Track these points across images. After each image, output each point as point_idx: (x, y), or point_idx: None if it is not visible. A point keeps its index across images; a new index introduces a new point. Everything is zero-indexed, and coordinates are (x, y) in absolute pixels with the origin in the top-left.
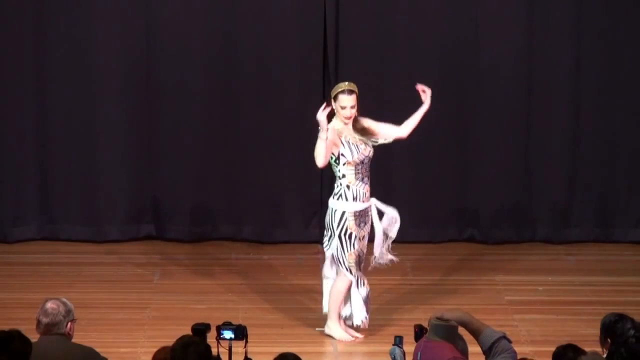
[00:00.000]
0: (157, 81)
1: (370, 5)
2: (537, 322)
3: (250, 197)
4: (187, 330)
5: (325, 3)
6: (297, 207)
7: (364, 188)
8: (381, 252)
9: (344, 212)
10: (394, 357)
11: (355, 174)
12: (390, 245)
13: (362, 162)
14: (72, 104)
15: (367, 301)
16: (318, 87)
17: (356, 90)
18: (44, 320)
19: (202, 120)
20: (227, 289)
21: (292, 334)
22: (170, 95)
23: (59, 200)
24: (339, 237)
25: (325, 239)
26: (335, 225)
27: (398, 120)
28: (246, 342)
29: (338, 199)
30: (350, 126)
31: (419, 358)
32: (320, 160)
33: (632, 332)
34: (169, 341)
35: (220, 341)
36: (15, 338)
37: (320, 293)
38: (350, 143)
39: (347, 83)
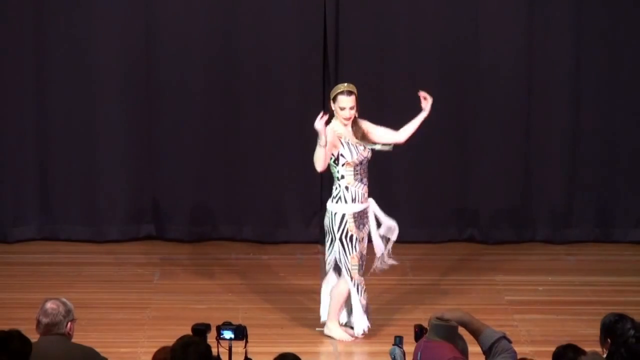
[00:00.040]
0: (157, 81)
1: (370, 5)
2: (537, 322)
3: (250, 197)
4: (187, 330)
5: (325, 3)
6: (297, 207)
7: (362, 189)
8: (382, 257)
9: (344, 215)
10: (394, 357)
11: (354, 174)
12: (391, 250)
13: (360, 163)
14: (72, 104)
15: (367, 310)
16: (318, 87)
17: (355, 91)
18: (44, 320)
19: (202, 120)
20: (227, 289)
21: (292, 334)
22: (170, 95)
23: (59, 200)
24: (340, 240)
25: (327, 244)
26: (335, 228)
27: (398, 121)
28: (246, 342)
29: (337, 202)
30: (349, 127)
31: (419, 358)
32: (320, 165)
33: (632, 332)
34: (169, 341)
35: (220, 341)
36: (15, 338)
37: (319, 301)
38: (350, 144)
39: (346, 84)
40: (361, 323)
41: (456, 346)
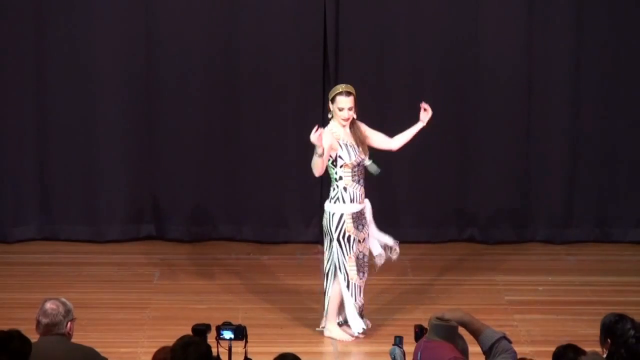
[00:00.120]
0: (157, 81)
1: (370, 5)
2: (537, 322)
3: (250, 197)
4: (187, 330)
5: (325, 3)
6: (297, 207)
7: (359, 190)
8: (379, 256)
9: (341, 215)
10: (394, 357)
11: (352, 175)
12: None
13: (358, 164)
14: (72, 104)
15: (361, 311)
16: (318, 87)
17: (354, 92)
18: (44, 320)
19: (202, 120)
20: (227, 289)
21: (292, 334)
22: (170, 95)
23: (59, 200)
24: (338, 240)
25: (326, 244)
26: (333, 228)
27: (398, 121)
28: (246, 342)
29: (335, 202)
30: (347, 128)
31: (419, 358)
32: (317, 172)
33: (632, 332)
34: (169, 341)
35: (220, 341)
36: (15, 338)
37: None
38: (348, 145)
39: (344, 85)
40: (356, 325)
41: (456, 346)
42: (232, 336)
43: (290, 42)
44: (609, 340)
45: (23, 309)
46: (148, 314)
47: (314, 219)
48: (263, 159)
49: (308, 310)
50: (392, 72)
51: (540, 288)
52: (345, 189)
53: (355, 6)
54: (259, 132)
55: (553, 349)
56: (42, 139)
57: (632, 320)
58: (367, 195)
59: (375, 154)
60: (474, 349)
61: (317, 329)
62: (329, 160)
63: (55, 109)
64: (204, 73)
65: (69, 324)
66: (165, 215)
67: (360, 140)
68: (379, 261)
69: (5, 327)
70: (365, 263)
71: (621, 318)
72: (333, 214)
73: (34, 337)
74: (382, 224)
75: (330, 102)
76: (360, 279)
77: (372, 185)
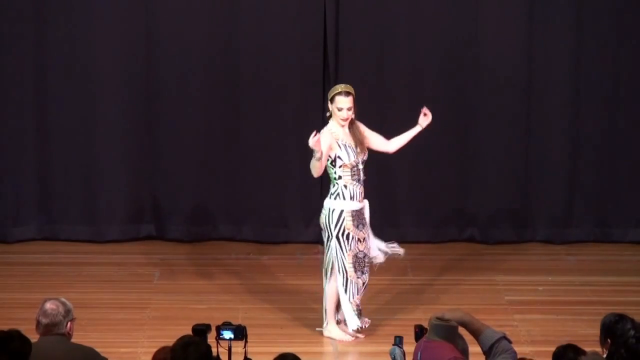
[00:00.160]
0: (157, 81)
1: (370, 5)
2: (537, 322)
3: (250, 197)
4: (187, 330)
5: (325, 4)
6: (297, 207)
7: (359, 188)
8: (377, 252)
9: (342, 212)
10: (394, 357)
11: (351, 175)
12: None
13: (357, 164)
14: (72, 104)
15: (358, 309)
16: (318, 87)
17: (353, 92)
18: (44, 321)
19: (202, 120)
20: (226, 289)
21: (292, 334)
22: (170, 96)
23: (59, 200)
24: (337, 237)
25: (325, 240)
26: (332, 225)
27: (397, 121)
28: (245, 342)
29: (335, 198)
30: (346, 128)
31: (419, 358)
32: (316, 173)
33: (632, 332)
34: (169, 341)
35: (220, 341)
36: (15, 338)
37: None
38: (347, 146)
39: (344, 85)
40: (351, 322)
41: (456, 346)
42: (232, 336)
43: (290, 42)
44: (609, 340)
45: (23, 309)
46: (148, 314)
47: (314, 219)
48: (263, 159)
49: (308, 310)
50: (392, 72)
51: (540, 288)
52: (345, 186)
53: (355, 6)
54: (259, 132)
55: (553, 349)
56: (42, 139)
57: (632, 320)
58: (368, 195)
59: (373, 154)
60: (474, 349)
61: (317, 329)
62: (328, 160)
63: (55, 109)
64: (204, 73)
65: (68, 324)
66: (165, 215)
67: (359, 140)
68: (379, 260)
69: (5, 327)
70: (365, 262)
71: (621, 318)
72: (333, 210)
73: (34, 337)
74: (382, 224)
75: (329, 102)
76: (359, 277)
77: (372, 185)
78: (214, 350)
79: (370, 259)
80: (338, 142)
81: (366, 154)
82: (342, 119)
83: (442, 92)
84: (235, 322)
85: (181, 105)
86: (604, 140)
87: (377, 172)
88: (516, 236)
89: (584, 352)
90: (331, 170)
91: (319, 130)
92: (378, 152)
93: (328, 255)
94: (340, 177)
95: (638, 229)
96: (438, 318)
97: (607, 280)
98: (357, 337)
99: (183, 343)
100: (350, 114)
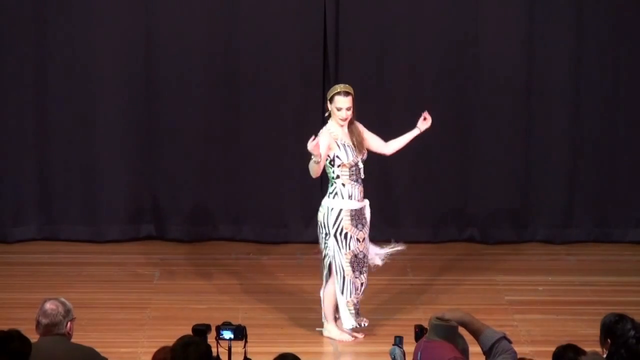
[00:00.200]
0: (157, 81)
1: (370, 5)
2: (537, 322)
3: (250, 197)
4: (187, 330)
5: (325, 3)
6: (297, 207)
7: (358, 188)
8: (374, 256)
9: (340, 211)
10: (394, 357)
11: (350, 175)
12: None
13: (356, 164)
14: (72, 104)
15: (357, 310)
16: (318, 87)
17: (352, 92)
18: (44, 321)
19: (202, 121)
20: (226, 289)
21: (292, 334)
22: (170, 96)
23: (59, 200)
24: (335, 236)
25: (321, 239)
26: (330, 224)
27: (397, 122)
28: (245, 342)
29: (334, 197)
30: (345, 128)
31: (419, 358)
32: (314, 175)
33: (632, 332)
34: (169, 341)
35: (220, 341)
36: (15, 338)
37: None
38: (346, 145)
39: (343, 85)
40: (347, 321)
41: (456, 346)
42: (232, 336)
43: (290, 42)
44: (609, 340)
45: (23, 309)
46: (148, 314)
47: (314, 219)
48: (263, 159)
49: (308, 310)
50: (392, 72)
51: (540, 288)
52: (343, 185)
53: (355, 6)
54: (259, 132)
55: (553, 349)
56: (42, 139)
57: (632, 320)
58: (367, 195)
59: (373, 154)
60: (474, 349)
61: (317, 329)
62: (326, 159)
63: (55, 109)
64: (204, 73)
65: (68, 324)
66: (165, 215)
67: (358, 140)
68: (377, 263)
69: (5, 327)
70: (364, 262)
71: (621, 318)
72: (332, 209)
73: (34, 337)
74: (382, 224)
75: (328, 102)
76: (357, 277)
77: (372, 185)
78: (214, 350)
79: (368, 259)
80: (337, 142)
81: (365, 154)
82: (341, 119)
83: (442, 92)
84: (235, 322)
85: (181, 105)
86: (604, 140)
87: (377, 172)
88: (516, 236)
89: (584, 352)
90: (330, 170)
91: (316, 135)
92: (375, 154)
93: (325, 253)
94: (338, 177)
95: (638, 229)
96: (438, 318)
97: (607, 280)
98: (356, 337)
99: (183, 343)
100: (349, 114)
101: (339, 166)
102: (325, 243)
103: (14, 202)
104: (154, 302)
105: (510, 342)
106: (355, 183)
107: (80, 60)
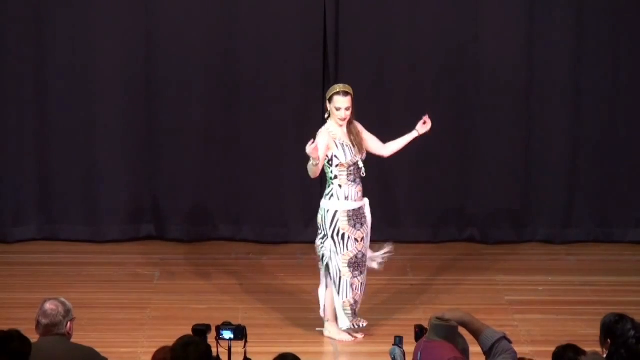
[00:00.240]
0: (157, 81)
1: (370, 5)
2: (537, 322)
3: (250, 197)
4: (187, 330)
5: (325, 3)
6: (297, 207)
7: (355, 188)
8: (368, 261)
9: (336, 212)
10: (394, 357)
11: (348, 175)
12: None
13: (354, 163)
14: (72, 104)
15: (354, 309)
16: (318, 88)
17: (351, 92)
18: (44, 321)
19: (202, 120)
20: (226, 289)
21: (292, 334)
22: (170, 96)
23: (59, 200)
24: (332, 237)
25: (319, 240)
26: (327, 225)
27: (397, 122)
28: (245, 342)
29: (330, 198)
30: (344, 128)
31: (419, 358)
32: (313, 176)
33: (632, 332)
34: (169, 341)
35: (220, 341)
36: (15, 338)
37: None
38: (344, 145)
39: (342, 85)
40: (342, 321)
41: (456, 346)
42: (232, 336)
43: (290, 42)
44: (609, 340)
45: (23, 309)
46: (148, 314)
47: (314, 219)
48: (263, 159)
49: (308, 310)
50: (392, 72)
51: (540, 288)
52: (340, 186)
53: (355, 6)
54: (259, 132)
55: (553, 349)
56: (42, 139)
57: (632, 321)
58: (368, 195)
59: (371, 155)
60: (474, 349)
61: (317, 329)
62: (325, 159)
63: (55, 109)
64: (204, 73)
65: (68, 324)
66: (165, 215)
67: (356, 140)
68: (374, 266)
69: (5, 327)
70: (363, 262)
71: (621, 318)
72: (327, 211)
73: (33, 337)
74: (382, 224)
75: (327, 102)
76: (356, 277)
77: (372, 185)
78: (214, 350)
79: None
80: (335, 142)
81: (364, 154)
82: (340, 119)
83: (442, 92)
84: (235, 322)
85: (181, 105)
86: (604, 140)
87: (377, 172)
88: (516, 236)
89: (584, 352)
90: (328, 170)
91: (315, 135)
92: (373, 155)
93: (322, 254)
94: (336, 177)
95: (638, 229)
96: (438, 318)
97: (607, 280)
98: (356, 337)
99: (183, 343)
100: (348, 114)
101: (337, 166)
102: (322, 244)
103: (14, 202)
104: (154, 302)
105: (510, 342)
106: (353, 183)
107: (80, 60)
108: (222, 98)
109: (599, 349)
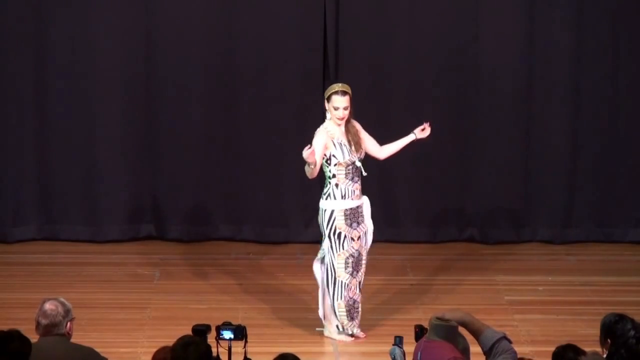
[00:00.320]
0: (157, 82)
1: (370, 5)
2: (537, 322)
3: (250, 197)
4: (187, 330)
5: (325, 4)
6: (297, 207)
7: (353, 186)
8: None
9: (332, 211)
10: (394, 357)
11: (346, 174)
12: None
13: (352, 163)
14: (72, 104)
15: (351, 310)
16: (318, 88)
17: (350, 91)
18: (44, 321)
19: (202, 121)
20: (226, 289)
21: (292, 334)
22: (170, 96)
23: (59, 200)
24: (329, 237)
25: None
26: (325, 225)
27: (397, 122)
28: (245, 342)
29: (327, 198)
30: (342, 127)
31: (419, 358)
32: (310, 177)
33: (632, 332)
34: (169, 341)
35: (220, 341)
36: (15, 338)
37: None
38: (342, 144)
39: (340, 84)
40: (331, 327)
41: (457, 345)
42: (232, 336)
43: (291, 42)
44: (609, 340)
45: (23, 309)
46: (148, 314)
47: (314, 219)
48: (263, 159)
49: (308, 310)
50: (392, 72)
51: (540, 288)
52: (337, 185)
53: (355, 6)
54: (258, 132)
55: (553, 349)
56: (42, 139)
57: (632, 321)
58: (368, 195)
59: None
60: (474, 349)
61: (317, 329)
62: (323, 158)
63: (55, 109)
64: (204, 73)
65: (68, 324)
66: (165, 215)
67: (354, 139)
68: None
69: (5, 327)
70: (360, 261)
71: (621, 318)
72: (325, 211)
73: (34, 337)
74: (382, 224)
75: (325, 101)
76: (354, 277)
77: (372, 185)
78: (214, 350)
79: (366, 258)
80: (333, 141)
81: (363, 153)
82: (338, 118)
83: (442, 92)
84: (235, 322)
85: (181, 105)
86: (603, 141)
87: (377, 171)
88: (516, 236)
89: (584, 352)
90: (326, 169)
91: (311, 144)
92: (369, 157)
93: (323, 256)
94: (334, 175)
95: (638, 229)
96: (438, 318)
97: (607, 280)
98: (356, 338)
99: (183, 343)
100: (346, 114)
101: (335, 165)
102: (322, 246)
103: (14, 202)
104: (154, 302)
105: (510, 342)
106: (351, 182)
107: (80, 60)
108: (222, 98)
109: (599, 349)
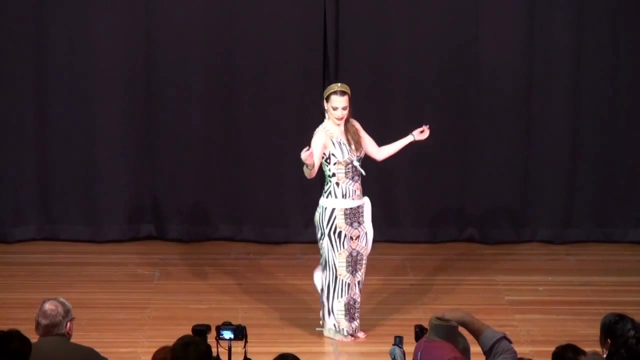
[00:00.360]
0: (157, 82)
1: (370, 5)
2: (537, 322)
3: (250, 197)
4: (187, 330)
5: (325, 4)
6: (297, 207)
7: (353, 186)
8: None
9: (333, 210)
10: (394, 357)
11: (345, 173)
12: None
13: (352, 162)
14: (72, 104)
15: (350, 310)
16: (318, 88)
17: (349, 91)
18: (43, 322)
19: (202, 121)
20: (226, 289)
21: (292, 334)
22: (170, 96)
23: (59, 200)
24: (329, 235)
25: (319, 241)
26: (324, 223)
27: (397, 123)
28: (245, 342)
29: (328, 196)
30: (342, 126)
31: (419, 358)
32: (308, 177)
33: (632, 332)
34: (169, 341)
35: (220, 341)
36: (15, 338)
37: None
38: (341, 143)
39: (339, 84)
40: (328, 327)
41: (457, 345)
42: (232, 336)
43: (290, 42)
44: (609, 340)
45: (23, 309)
46: (148, 314)
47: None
48: (263, 159)
49: (308, 310)
50: (392, 73)
51: (540, 288)
52: (337, 184)
53: (355, 6)
54: (258, 133)
55: (553, 349)
56: (42, 140)
57: (632, 321)
58: (368, 195)
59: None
60: (474, 349)
61: (317, 329)
62: (322, 157)
63: (55, 109)
64: (204, 73)
65: (68, 324)
66: (165, 215)
67: (354, 138)
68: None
69: (5, 327)
70: (360, 261)
71: (621, 318)
72: (325, 209)
73: (34, 337)
74: (382, 224)
75: (324, 101)
76: (354, 277)
77: (372, 185)
78: (214, 350)
79: (366, 258)
80: (332, 140)
81: (362, 152)
82: (337, 118)
83: (442, 92)
84: (235, 322)
85: (181, 105)
86: (603, 140)
87: (376, 172)
88: (516, 236)
89: (584, 352)
90: (326, 168)
91: (310, 146)
92: (367, 157)
93: (321, 254)
94: (334, 175)
95: (638, 229)
96: (438, 318)
97: (607, 280)
98: (356, 337)
99: (183, 343)
100: (345, 113)
101: (334, 164)
102: (320, 243)
103: (14, 202)
104: (154, 302)
105: (510, 342)
106: (351, 181)
107: (80, 61)
108: (222, 98)
109: (599, 349)
